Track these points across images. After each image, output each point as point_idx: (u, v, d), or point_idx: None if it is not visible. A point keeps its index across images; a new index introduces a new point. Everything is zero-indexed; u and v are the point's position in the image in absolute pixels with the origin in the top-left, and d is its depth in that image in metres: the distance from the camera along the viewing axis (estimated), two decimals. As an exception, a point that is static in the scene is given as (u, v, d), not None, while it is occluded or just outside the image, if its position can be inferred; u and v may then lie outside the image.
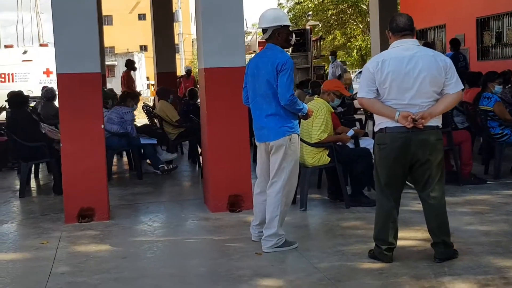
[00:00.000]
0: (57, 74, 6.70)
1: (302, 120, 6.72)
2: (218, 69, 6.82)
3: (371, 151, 7.22)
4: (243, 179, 6.98)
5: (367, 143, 7.70)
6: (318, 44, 26.53)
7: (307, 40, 22.72)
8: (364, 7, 32.91)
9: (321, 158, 6.91)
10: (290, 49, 21.36)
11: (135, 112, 10.42)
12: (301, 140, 6.81)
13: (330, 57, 19.98)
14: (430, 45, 15.10)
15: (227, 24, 6.88)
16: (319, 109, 6.83)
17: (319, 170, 7.63)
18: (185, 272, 5.07)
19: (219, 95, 6.89)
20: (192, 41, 53.96)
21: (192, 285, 4.80)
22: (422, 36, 19.42)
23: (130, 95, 10.38)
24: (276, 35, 5.43)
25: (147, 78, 44.96)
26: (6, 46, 21.10)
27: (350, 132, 7.34)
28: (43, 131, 8.71)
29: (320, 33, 33.03)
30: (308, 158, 6.92)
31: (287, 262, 5.20)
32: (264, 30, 5.48)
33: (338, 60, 19.81)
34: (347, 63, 40.70)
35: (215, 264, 5.22)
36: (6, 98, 9.92)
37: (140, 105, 18.65)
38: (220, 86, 6.87)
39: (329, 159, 6.91)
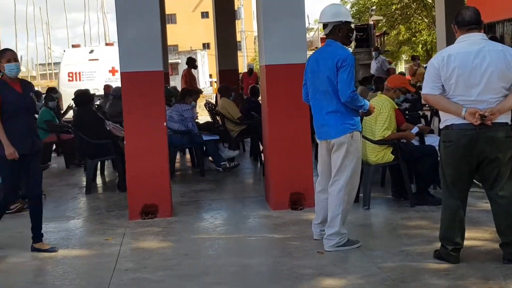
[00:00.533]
0: (120, 72, 6.79)
1: (365, 117, 6.62)
2: (279, 66, 6.78)
3: (437, 148, 7.06)
4: (305, 176, 6.91)
5: (432, 140, 7.52)
6: (382, 39, 26.11)
7: (371, 36, 22.40)
8: (430, 0, 32.24)
9: (385, 155, 6.78)
10: (353, 45, 21.13)
11: (197, 110, 10.49)
12: (364, 137, 6.71)
13: (373, 52, 19.61)
14: (497, 39, 14.65)
15: (288, 20, 6.82)
16: (382, 105, 6.71)
17: (382, 168, 7.50)
18: (247, 270, 5.05)
19: (280, 92, 6.85)
20: (254, 38, 54.12)
21: (253, 283, 4.78)
22: (490, 30, 18.80)
23: (189, 92, 10.40)
24: (336, 31, 5.35)
25: (210, 76, 45.36)
26: (73, 46, 21.63)
27: (415, 129, 7.18)
28: (108, 129, 8.87)
29: (384, 28, 32.52)
30: (371, 155, 6.80)
31: (350, 262, 5.11)
32: (325, 25, 5.41)
33: (382, 56, 19.38)
34: (405, 58, 40.07)
35: (277, 262, 5.18)
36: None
37: (202, 102, 18.86)
38: (281, 83, 6.82)
39: (393, 156, 6.77)
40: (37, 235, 5.84)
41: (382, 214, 6.73)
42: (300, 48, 6.82)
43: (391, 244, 5.46)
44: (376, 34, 24.16)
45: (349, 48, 21.62)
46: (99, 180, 9.67)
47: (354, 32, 5.57)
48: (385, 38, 28.64)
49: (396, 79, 7.32)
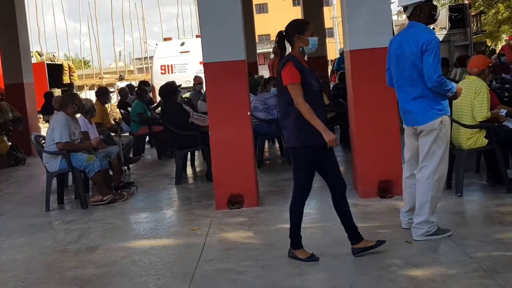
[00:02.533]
0: (204, 63, 6.81)
1: (455, 101, 6.32)
2: (364, 50, 6.58)
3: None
4: (393, 163, 6.70)
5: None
6: (478, 19, 25.05)
7: (466, 16, 21.53)
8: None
9: (478, 140, 6.46)
10: (447, 26, 20.40)
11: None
12: (456, 121, 6.43)
13: None
14: None
15: (373, 3, 6.61)
16: (477, 87, 6.38)
17: (477, 153, 7.16)
18: (332, 259, 4.94)
19: (366, 77, 6.66)
20: (346, 24, 53.40)
21: (338, 273, 4.66)
22: None
23: (268, 79, 10.27)
24: (418, 12, 5.10)
25: (302, 64, 45.09)
26: (165, 39, 22.03)
27: (503, 111, 6.78)
28: (190, 120, 8.94)
29: (481, 8, 31.20)
30: (463, 140, 6.50)
31: (440, 251, 4.90)
32: (405, 8, 5.17)
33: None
34: (505, 38, 38.27)
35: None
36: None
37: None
38: (367, 68, 6.63)
39: (487, 141, 6.44)
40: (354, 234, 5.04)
41: (475, 201, 6.43)
42: (385, 32, 6.59)
43: (484, 233, 5.20)
44: (472, 13, 23.21)
45: (444, 30, 20.94)
46: (189, 171, 9.80)
47: (437, 9, 5.27)
48: (482, 18, 27.48)
49: (481, 60, 6.92)
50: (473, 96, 6.36)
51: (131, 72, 38.01)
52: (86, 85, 30.60)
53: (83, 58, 45.66)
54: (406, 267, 4.56)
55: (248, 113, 6.81)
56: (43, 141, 8.00)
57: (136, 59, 42.30)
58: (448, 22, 20.60)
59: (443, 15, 20.32)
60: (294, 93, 4.64)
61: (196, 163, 10.43)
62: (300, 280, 4.53)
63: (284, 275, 4.64)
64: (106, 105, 11.23)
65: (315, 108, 4.66)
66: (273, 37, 55.60)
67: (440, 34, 19.54)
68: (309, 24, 4.90)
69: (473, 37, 22.43)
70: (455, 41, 20.16)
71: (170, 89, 9.20)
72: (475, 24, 23.17)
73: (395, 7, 26.81)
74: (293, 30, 4.81)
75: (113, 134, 9.95)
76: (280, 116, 4.95)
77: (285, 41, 4.87)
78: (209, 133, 6.86)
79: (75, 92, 8.29)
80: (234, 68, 6.72)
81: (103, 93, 10.82)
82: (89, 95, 22.32)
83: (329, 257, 5.01)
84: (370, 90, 6.65)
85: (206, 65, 6.77)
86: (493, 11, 34.41)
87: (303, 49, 4.81)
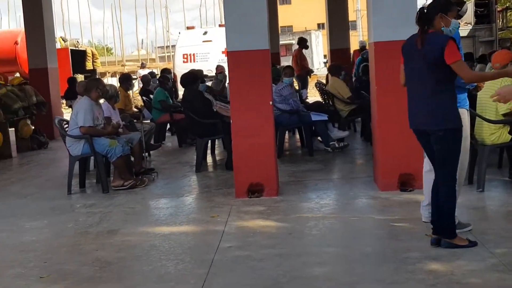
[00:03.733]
0: (227, 51, 6.82)
1: (479, 95, 6.28)
2: (388, 42, 6.55)
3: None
4: (415, 157, 6.62)
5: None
6: (504, 15, 24.76)
7: (492, 11, 21.31)
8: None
9: (501, 135, 6.41)
10: (473, 21, 20.19)
11: (308, 90, 10.35)
12: (479, 116, 6.39)
13: None
14: None
15: (399, -6, 6.57)
16: (502, 81, 6.31)
17: (500, 148, 7.11)
18: (351, 251, 4.95)
19: (389, 70, 6.61)
20: (370, 17, 53.03)
21: (357, 264, 4.66)
22: None
23: (285, 69, 10.17)
24: None
25: (324, 56, 45.01)
26: (188, 28, 22.08)
27: None
28: (215, 109, 8.97)
29: (507, 3, 30.85)
30: (486, 135, 6.46)
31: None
32: None
33: None
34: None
35: (382, 244, 5.05)
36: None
37: (313, 82, 18.72)
38: (391, 60, 6.56)
39: (510, 136, 6.39)
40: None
41: (497, 197, 6.39)
42: (410, 23, 6.51)
43: (505, 228, 5.18)
44: (498, 9, 22.95)
45: (469, 25, 20.70)
46: (209, 159, 9.84)
47: (465, 4, 5.21)
48: (508, 14, 27.16)
49: (504, 54, 6.85)
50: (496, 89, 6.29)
51: (153, 60, 38.18)
52: (108, 72, 30.81)
53: (105, 45, 45.94)
54: (425, 260, 4.55)
55: (270, 103, 6.82)
56: (66, 125, 8.09)
57: (158, 47, 42.47)
58: (473, 17, 20.40)
59: (469, 10, 20.13)
60: (463, 69, 4.52)
61: (216, 151, 10.47)
62: (319, 270, 4.53)
63: (302, 265, 4.65)
64: (129, 92, 11.29)
65: None
66: (296, 29, 54.96)
67: (465, 29, 19.36)
68: (454, 6, 4.79)
69: (499, 33, 22.18)
70: (480, 37, 19.97)
71: (191, 77, 9.22)
72: (500, 20, 22.91)
73: None
74: (437, 8, 4.68)
75: (135, 120, 10.02)
76: (421, 95, 4.68)
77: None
78: (231, 121, 6.88)
79: (96, 78, 8.31)
80: (258, 57, 6.72)
81: (126, 79, 10.89)
82: (111, 82, 22.45)
83: (347, 248, 5.02)
84: (394, 83, 6.58)
85: (230, 54, 6.78)
86: (519, 6, 33.97)
87: (443, 30, 4.69)
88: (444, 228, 4.75)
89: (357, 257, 4.81)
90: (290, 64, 14.28)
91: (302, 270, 4.53)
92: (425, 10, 4.69)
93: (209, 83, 12.25)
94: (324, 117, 9.71)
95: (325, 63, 23.60)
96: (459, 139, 4.71)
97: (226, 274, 4.56)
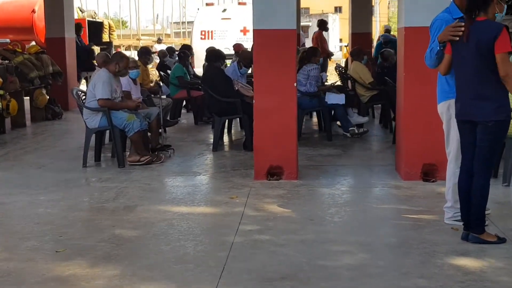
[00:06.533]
0: (253, 29, 6.65)
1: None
2: (420, 28, 6.35)
3: None
4: (439, 147, 6.40)
5: None
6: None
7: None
8: None
9: (531, 129, 6.23)
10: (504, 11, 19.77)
11: (327, 73, 10.17)
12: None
13: None
14: None
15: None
16: None
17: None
18: (374, 241, 4.80)
19: (419, 56, 6.40)
20: (388, 3, 52.55)
21: (382, 255, 4.53)
22: None
23: (311, 52, 9.96)
24: None
25: (340, 40, 44.64)
26: (207, 4, 21.83)
27: None
28: (236, 88, 8.82)
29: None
30: (515, 129, 6.27)
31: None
32: None
33: None
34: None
35: (407, 235, 4.89)
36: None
37: (332, 66, 18.49)
38: (421, 47, 6.34)
39: (540, 131, 6.21)
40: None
41: (523, 192, 6.23)
42: (444, 9, 6.33)
43: (534, 226, 5.02)
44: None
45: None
46: (225, 138, 9.70)
47: None
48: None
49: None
50: None
51: (168, 36, 37.94)
52: (123, 45, 30.60)
53: (121, 18, 45.68)
54: (452, 255, 4.41)
55: (295, 84, 6.66)
56: (83, 96, 7.95)
57: (173, 23, 42.20)
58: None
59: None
60: (505, 63, 4.35)
61: (232, 131, 10.32)
62: (342, 259, 4.40)
63: (325, 252, 4.52)
64: (148, 66, 11.12)
65: None
66: (312, 11, 54.69)
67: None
68: None
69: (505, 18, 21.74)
70: (510, 28, 19.58)
71: (215, 54, 9.06)
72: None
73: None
74: None
75: (153, 95, 9.88)
76: (473, 85, 4.50)
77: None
78: (253, 101, 6.73)
79: (123, 53, 8.10)
80: (284, 37, 6.55)
81: (145, 53, 10.71)
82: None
83: (371, 237, 4.88)
84: (422, 70, 6.40)
85: (256, 32, 6.61)
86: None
87: (496, 16, 4.54)
88: (474, 221, 4.60)
89: (382, 248, 4.68)
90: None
91: (325, 258, 4.40)
92: None
93: (228, 62, 12.06)
94: (341, 97, 9.50)
95: (346, 46, 23.27)
96: (506, 131, 4.57)
97: (247, 258, 4.43)
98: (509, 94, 4.51)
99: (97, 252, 4.60)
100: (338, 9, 53.04)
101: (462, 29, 4.51)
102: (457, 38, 4.53)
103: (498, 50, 4.32)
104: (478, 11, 4.45)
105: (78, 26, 16.02)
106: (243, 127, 9.34)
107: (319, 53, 10.15)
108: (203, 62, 12.07)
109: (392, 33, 16.95)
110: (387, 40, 15.26)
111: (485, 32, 4.36)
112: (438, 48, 4.73)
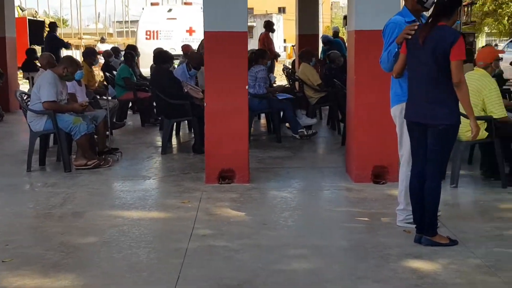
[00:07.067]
0: (204, 32, 6.56)
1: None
2: (371, 31, 6.39)
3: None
4: (390, 150, 6.51)
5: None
6: (469, 9, 24.93)
7: (456, 5, 21.35)
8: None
9: (478, 132, 6.35)
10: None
11: (275, 75, 10.16)
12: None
13: None
14: None
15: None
16: (488, 82, 6.29)
17: (471, 144, 7.07)
18: (329, 244, 4.80)
19: (369, 59, 6.47)
20: (331, 4, 53.10)
21: (337, 259, 4.53)
22: None
23: (260, 54, 9.95)
24: None
25: (284, 41, 44.84)
26: (152, 4, 21.56)
27: None
28: (185, 90, 8.72)
29: (472, -3, 31.16)
30: (463, 132, 6.35)
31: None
32: None
33: None
34: (495, 31, 38.35)
35: (360, 238, 4.91)
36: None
37: (279, 67, 18.52)
38: (372, 50, 6.42)
39: (487, 133, 6.35)
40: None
41: (471, 193, 6.34)
42: (393, 13, 6.39)
43: (483, 227, 5.12)
44: (464, 3, 23.07)
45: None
46: (174, 141, 9.58)
47: None
48: (472, 9, 27.38)
49: (487, 52, 6.80)
50: (481, 91, 6.23)
51: (111, 35, 37.34)
52: (64, 44, 29.88)
53: (62, 17, 44.72)
54: (406, 258, 4.45)
55: (246, 87, 6.62)
56: (28, 98, 7.71)
57: (116, 22, 41.55)
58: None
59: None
60: (460, 70, 4.40)
61: (181, 133, 10.20)
62: (298, 264, 4.37)
63: (281, 257, 4.49)
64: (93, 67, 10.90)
65: None
66: (256, 11, 54.63)
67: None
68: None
69: (463, 27, 22.30)
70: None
71: (164, 55, 8.94)
72: (465, 14, 23.05)
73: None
74: (459, 3, 4.58)
75: (98, 97, 9.68)
76: (426, 88, 4.52)
77: None
78: (205, 104, 6.65)
79: (73, 57, 7.90)
80: (236, 39, 6.49)
81: (90, 53, 10.49)
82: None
83: (326, 241, 4.87)
84: (373, 73, 6.46)
85: (207, 34, 6.53)
86: (480, 2, 34.42)
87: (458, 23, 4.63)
88: (426, 224, 4.65)
89: (337, 252, 4.68)
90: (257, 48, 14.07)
91: (281, 263, 4.37)
92: (446, 2, 4.50)
93: (176, 62, 11.92)
94: (288, 96, 9.53)
95: (292, 46, 23.37)
96: (456, 135, 4.63)
97: (202, 264, 4.36)
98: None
99: (46, 261, 4.44)
100: (282, 10, 53.23)
101: (416, 27, 4.57)
102: (410, 37, 4.58)
103: (453, 57, 4.38)
104: (442, 16, 4.49)
105: (53, 25, 16.31)
106: (192, 129, 9.24)
107: (268, 55, 10.14)
108: (149, 62, 11.92)
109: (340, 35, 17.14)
110: (326, 41, 15.40)
111: (443, 38, 4.41)
112: (396, 49, 4.77)
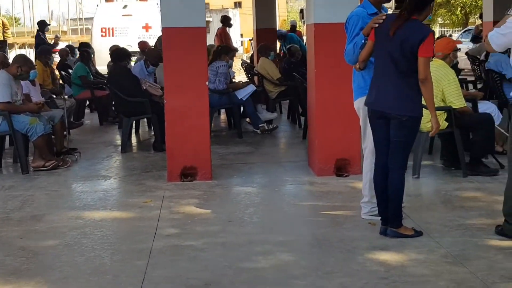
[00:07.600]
0: (162, 28, 6.47)
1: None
2: (330, 24, 6.38)
3: (493, 116, 6.70)
4: (352, 142, 6.57)
5: (486, 107, 7.13)
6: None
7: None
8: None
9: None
10: (393, 5, 20.38)
11: (233, 70, 10.10)
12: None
13: None
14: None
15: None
16: (447, 73, 6.36)
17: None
18: (295, 240, 4.77)
19: (329, 53, 6.47)
20: (287, -2, 53.12)
21: (303, 254, 4.50)
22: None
23: (225, 49, 9.92)
24: None
25: (241, 35, 44.72)
26: (106, 1, 21.29)
27: None
28: (144, 87, 8.60)
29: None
30: (423, 122, 6.32)
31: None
32: None
33: None
34: (448, 22, 38.99)
35: (326, 233, 4.89)
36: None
37: (238, 62, 18.44)
38: (331, 43, 6.42)
39: (447, 124, 6.41)
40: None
41: (433, 184, 6.39)
42: (354, 6, 6.39)
43: (447, 217, 5.15)
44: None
45: (389, 9, 20.90)
46: (133, 139, 9.44)
47: None
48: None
49: (446, 43, 6.86)
50: (440, 81, 6.29)
51: (65, 33, 36.64)
52: (17, 44, 29.29)
53: (14, 15, 43.76)
54: (373, 250, 4.44)
55: (207, 83, 6.55)
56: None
57: (70, 19, 40.86)
58: (394, 2, 20.60)
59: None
60: (427, 67, 4.40)
61: (140, 131, 10.06)
62: (265, 261, 4.32)
63: (247, 255, 4.43)
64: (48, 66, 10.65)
65: None
66: (212, 6, 54.26)
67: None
68: None
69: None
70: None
71: (121, 52, 8.79)
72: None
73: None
74: None
75: (55, 96, 9.48)
76: (391, 79, 4.51)
77: None
78: (164, 101, 6.55)
79: (26, 56, 7.69)
80: (194, 35, 6.41)
81: (45, 52, 10.26)
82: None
83: (291, 236, 4.84)
84: (333, 66, 6.47)
85: (165, 30, 6.43)
86: (433, -6, 34.83)
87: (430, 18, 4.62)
88: (391, 216, 4.66)
89: (303, 247, 4.66)
90: (214, 43, 14.00)
91: (248, 261, 4.32)
92: None
93: (134, 59, 11.74)
94: (251, 87, 9.48)
95: (250, 40, 23.33)
96: (418, 127, 4.65)
97: (167, 265, 4.28)
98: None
99: (6, 267, 4.31)
100: (237, 4, 53.12)
101: (384, 17, 4.56)
102: (377, 25, 4.57)
103: (421, 53, 4.38)
104: (415, 10, 4.48)
105: (43, 23, 16.03)
106: (152, 127, 9.12)
107: (233, 54, 10.08)
108: (105, 60, 11.73)
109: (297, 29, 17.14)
110: (279, 35, 15.34)
111: (413, 33, 4.40)
112: (362, 41, 4.75)
